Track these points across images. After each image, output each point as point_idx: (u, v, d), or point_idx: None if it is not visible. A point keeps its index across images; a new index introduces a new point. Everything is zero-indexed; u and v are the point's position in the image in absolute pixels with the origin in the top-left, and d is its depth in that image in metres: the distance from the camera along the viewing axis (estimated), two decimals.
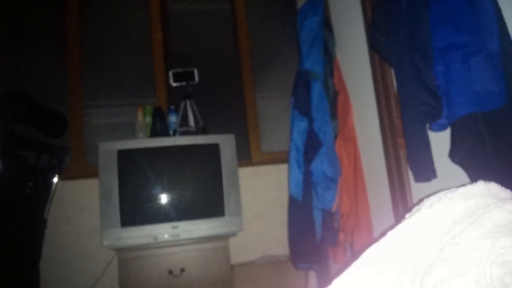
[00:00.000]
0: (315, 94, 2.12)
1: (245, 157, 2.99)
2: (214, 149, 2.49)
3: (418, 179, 1.42)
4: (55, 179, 2.13)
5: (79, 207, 2.66)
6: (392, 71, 1.76)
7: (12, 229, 1.86)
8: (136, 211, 2.36)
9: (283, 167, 2.75)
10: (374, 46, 1.70)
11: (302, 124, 2.18)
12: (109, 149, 2.37)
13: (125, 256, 2.27)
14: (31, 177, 1.97)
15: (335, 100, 2.19)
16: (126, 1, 3.13)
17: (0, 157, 1.74)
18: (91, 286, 2.53)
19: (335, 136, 2.16)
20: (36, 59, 2.91)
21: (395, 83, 1.75)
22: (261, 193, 2.91)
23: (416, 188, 1.70)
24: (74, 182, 2.66)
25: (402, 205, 1.76)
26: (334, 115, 2.16)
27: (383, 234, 0.76)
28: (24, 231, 1.95)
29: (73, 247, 2.61)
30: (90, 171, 2.70)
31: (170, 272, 2.27)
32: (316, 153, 2.09)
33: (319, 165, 2.08)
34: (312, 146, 2.11)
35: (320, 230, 2.09)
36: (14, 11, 2.97)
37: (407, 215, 0.79)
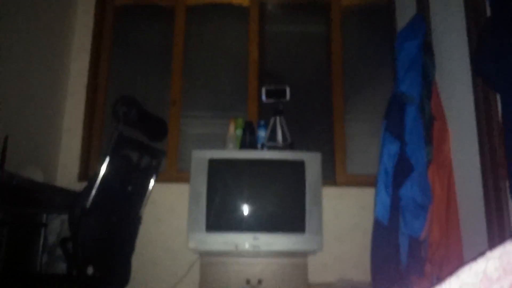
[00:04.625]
0: (410, 118, 2.07)
1: (330, 177, 2.97)
2: (299, 165, 2.51)
3: None
4: (152, 180, 2.30)
5: (170, 209, 2.83)
6: (498, 98, 1.68)
7: (113, 221, 2.03)
8: (221, 218, 2.45)
9: (368, 191, 2.69)
10: (479, 71, 1.64)
11: (393, 147, 2.13)
12: (201, 157, 2.50)
13: (208, 261, 2.36)
14: (133, 175, 2.15)
15: (431, 125, 2.12)
16: (227, 21, 3.34)
17: (109, 155, 1.93)
18: (175, 285, 2.66)
19: (429, 162, 2.08)
20: (144, 71, 3.20)
21: (499, 111, 1.66)
22: (343, 215, 2.87)
23: None
24: (167, 185, 2.84)
25: (499, 239, 1.64)
26: (429, 140, 2.09)
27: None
28: (122, 224, 2.12)
29: (161, 245, 2.78)
30: (182, 176, 2.88)
31: (248, 282, 2.31)
32: (406, 178, 2.03)
33: (409, 190, 2.02)
34: (402, 170, 2.06)
35: (405, 257, 2.01)
36: (130, 27, 3.31)
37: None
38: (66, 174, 2.90)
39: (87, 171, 2.97)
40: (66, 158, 2.95)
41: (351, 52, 3.26)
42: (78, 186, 2.50)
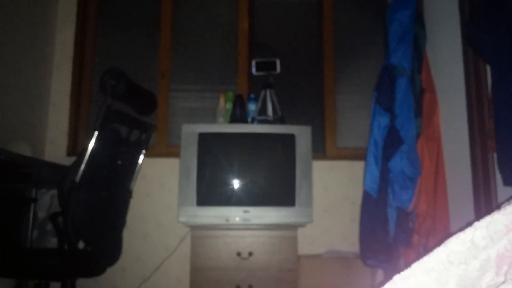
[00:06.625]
0: (400, 90, 2.07)
1: (320, 150, 2.98)
2: (290, 139, 2.52)
3: (507, 182, 1.35)
4: (142, 155, 2.28)
5: (160, 184, 2.83)
6: (488, 69, 1.67)
7: (103, 195, 2.03)
8: (211, 192, 2.46)
9: (358, 164, 2.71)
10: (470, 41, 1.63)
11: (383, 120, 2.13)
12: (191, 131, 2.49)
13: (198, 234, 2.38)
14: (123, 149, 2.13)
15: (421, 98, 2.12)
16: None
17: (97, 129, 1.90)
18: (166, 258, 2.69)
19: (418, 135, 2.09)
20: (132, 43, 3.14)
21: (489, 83, 1.67)
22: (333, 187, 2.89)
23: (503, 193, 1.61)
24: (156, 159, 2.83)
25: (485, 209, 1.68)
26: (418, 112, 2.09)
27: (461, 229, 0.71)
28: (113, 199, 2.11)
29: (152, 220, 2.79)
30: (172, 151, 2.86)
31: (239, 254, 2.34)
32: (396, 150, 2.04)
33: (398, 162, 2.03)
34: (392, 142, 2.06)
35: (393, 229, 2.04)
36: None
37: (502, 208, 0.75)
38: (55, 149, 2.87)
39: (76, 146, 2.94)
40: (54, 133, 2.91)
41: (342, 23, 3.21)
42: (67, 161, 2.47)
